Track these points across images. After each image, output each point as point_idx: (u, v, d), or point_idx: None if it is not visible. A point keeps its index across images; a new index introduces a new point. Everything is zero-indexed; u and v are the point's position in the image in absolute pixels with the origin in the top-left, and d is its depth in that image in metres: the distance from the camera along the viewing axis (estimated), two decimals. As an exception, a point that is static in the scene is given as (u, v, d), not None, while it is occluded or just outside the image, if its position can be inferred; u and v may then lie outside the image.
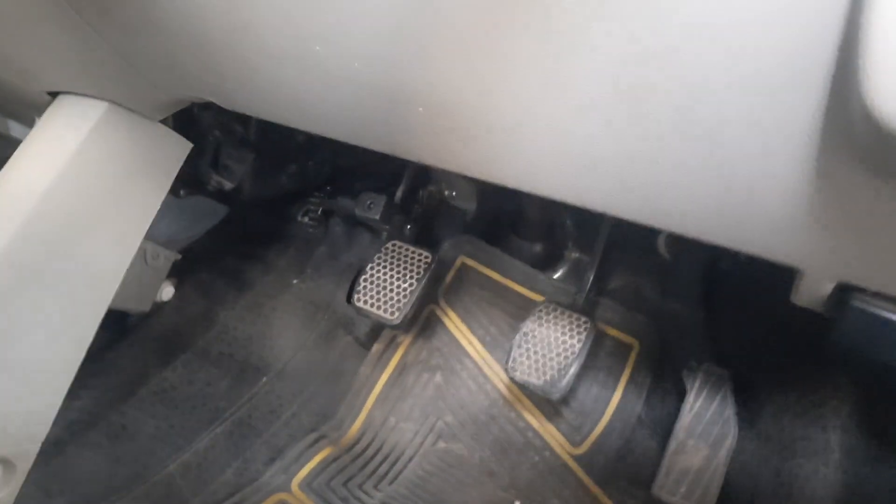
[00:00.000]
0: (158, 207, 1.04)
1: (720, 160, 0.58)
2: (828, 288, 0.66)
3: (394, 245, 1.46)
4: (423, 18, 0.60)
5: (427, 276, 1.40)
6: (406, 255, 1.44)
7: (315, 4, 0.63)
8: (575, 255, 1.57)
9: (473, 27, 0.59)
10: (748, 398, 1.25)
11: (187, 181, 1.23)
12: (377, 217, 1.47)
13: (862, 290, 0.64)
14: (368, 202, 1.47)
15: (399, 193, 1.53)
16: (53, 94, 0.93)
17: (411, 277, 1.40)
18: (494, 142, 0.68)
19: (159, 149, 1.03)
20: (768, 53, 0.50)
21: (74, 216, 0.91)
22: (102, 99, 0.93)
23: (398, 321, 1.36)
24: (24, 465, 0.92)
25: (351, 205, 1.51)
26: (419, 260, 1.43)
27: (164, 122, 1.03)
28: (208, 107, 0.99)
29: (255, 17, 0.67)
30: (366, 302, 1.39)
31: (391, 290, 1.39)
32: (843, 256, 0.61)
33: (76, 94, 0.93)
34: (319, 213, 1.64)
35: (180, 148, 1.06)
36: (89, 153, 0.92)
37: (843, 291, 0.65)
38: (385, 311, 1.37)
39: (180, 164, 1.06)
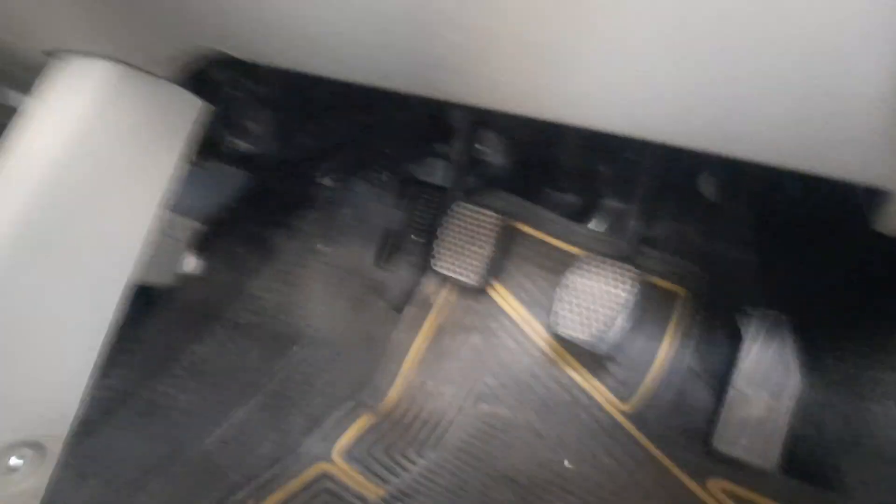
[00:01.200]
0: (177, 173, 0.98)
1: (803, 71, 0.51)
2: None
3: (461, 207, 1.46)
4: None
5: (497, 236, 1.42)
6: (474, 217, 1.44)
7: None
8: (612, 203, 1.49)
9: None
10: (809, 342, 1.17)
11: (203, 146, 1.17)
12: (442, 182, 1.50)
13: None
14: (431, 166, 1.50)
15: (458, 153, 1.50)
16: (52, 55, 0.86)
17: (483, 239, 1.42)
18: (543, 71, 0.62)
19: (172, 109, 0.97)
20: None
21: (86, 185, 0.86)
22: (107, 57, 0.86)
23: (477, 284, 1.40)
24: (55, 448, 0.89)
25: (416, 169, 1.53)
26: (487, 221, 1.44)
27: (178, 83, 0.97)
28: (220, 64, 0.92)
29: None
30: (444, 267, 1.41)
31: (467, 254, 1.41)
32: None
33: (78, 53, 0.86)
34: (342, 174, 1.57)
35: (194, 108, 1.00)
36: (97, 117, 0.86)
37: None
38: (464, 275, 1.40)
39: (198, 126, 1.00)
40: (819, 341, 1.18)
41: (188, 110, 0.98)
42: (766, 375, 1.14)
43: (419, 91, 0.73)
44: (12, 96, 1.05)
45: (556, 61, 0.60)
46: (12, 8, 0.79)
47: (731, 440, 1.13)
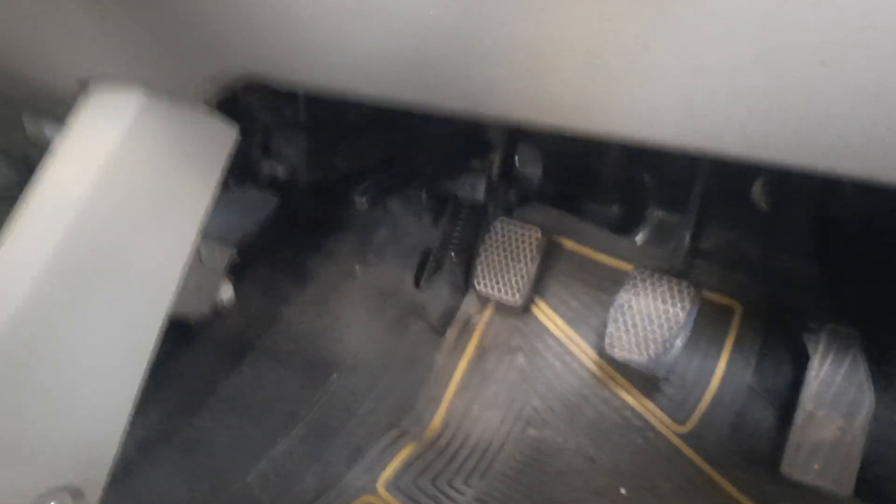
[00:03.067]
0: (212, 200, 0.95)
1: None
2: None
3: (501, 223, 1.42)
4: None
5: (540, 253, 1.37)
6: (515, 234, 1.40)
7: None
8: (658, 213, 1.43)
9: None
10: (881, 359, 1.10)
11: (238, 171, 1.13)
12: (480, 198, 1.46)
13: None
14: (468, 183, 1.46)
15: (496, 168, 1.46)
16: (84, 85, 0.83)
17: (525, 256, 1.38)
18: (607, 88, 0.57)
19: (206, 136, 0.94)
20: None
21: (122, 218, 0.83)
22: (138, 87, 0.83)
23: (521, 303, 1.35)
24: (95, 493, 0.85)
25: (453, 185, 1.48)
26: (528, 237, 1.39)
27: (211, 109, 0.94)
28: (253, 89, 0.88)
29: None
30: (486, 286, 1.38)
31: (508, 272, 1.37)
32: None
33: (110, 82, 0.83)
34: (377, 194, 1.53)
35: (228, 134, 0.97)
36: (131, 147, 0.83)
37: None
38: (506, 293, 1.36)
39: (230, 151, 0.97)
40: (892, 358, 1.11)
41: (222, 136, 0.95)
42: (838, 395, 1.07)
43: (459, 110, 0.69)
44: (47, 128, 1.03)
45: (625, 81, 0.55)
46: (44, 39, 0.76)
47: (803, 466, 1.06)
